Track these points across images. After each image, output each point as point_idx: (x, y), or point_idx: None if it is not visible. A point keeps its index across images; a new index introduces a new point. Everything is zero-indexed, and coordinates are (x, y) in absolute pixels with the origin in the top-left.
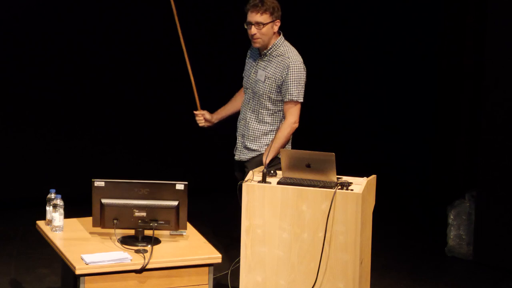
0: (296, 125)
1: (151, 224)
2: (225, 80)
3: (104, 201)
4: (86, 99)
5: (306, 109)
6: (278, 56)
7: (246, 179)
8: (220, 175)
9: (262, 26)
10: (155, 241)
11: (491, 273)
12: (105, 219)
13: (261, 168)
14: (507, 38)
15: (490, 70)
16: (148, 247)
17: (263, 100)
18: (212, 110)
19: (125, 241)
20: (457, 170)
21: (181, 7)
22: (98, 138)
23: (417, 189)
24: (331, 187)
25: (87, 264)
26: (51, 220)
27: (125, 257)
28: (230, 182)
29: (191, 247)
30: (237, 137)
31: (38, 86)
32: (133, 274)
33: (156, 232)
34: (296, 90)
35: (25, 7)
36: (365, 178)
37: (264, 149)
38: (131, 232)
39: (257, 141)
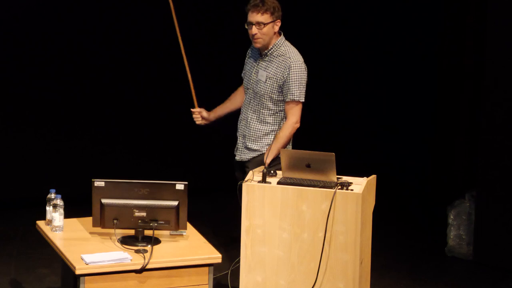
0: (298, 125)
1: (151, 224)
2: (225, 80)
3: (104, 201)
4: (86, 99)
5: (306, 109)
6: (279, 56)
7: (246, 179)
8: (220, 175)
9: (263, 26)
10: (155, 241)
11: (491, 273)
12: (105, 219)
13: (261, 168)
14: (507, 38)
15: (490, 70)
16: (148, 247)
17: (264, 100)
18: (212, 110)
19: (125, 241)
20: (457, 170)
21: (181, 7)
22: (98, 138)
23: (417, 189)
24: (331, 187)
25: (87, 264)
26: (51, 220)
27: (125, 257)
28: (230, 182)
29: (191, 247)
30: (238, 137)
31: (38, 86)
32: (133, 274)
33: (156, 232)
34: (298, 90)
35: (25, 7)
36: (365, 178)
37: (265, 149)
38: (131, 232)
39: (258, 141)
